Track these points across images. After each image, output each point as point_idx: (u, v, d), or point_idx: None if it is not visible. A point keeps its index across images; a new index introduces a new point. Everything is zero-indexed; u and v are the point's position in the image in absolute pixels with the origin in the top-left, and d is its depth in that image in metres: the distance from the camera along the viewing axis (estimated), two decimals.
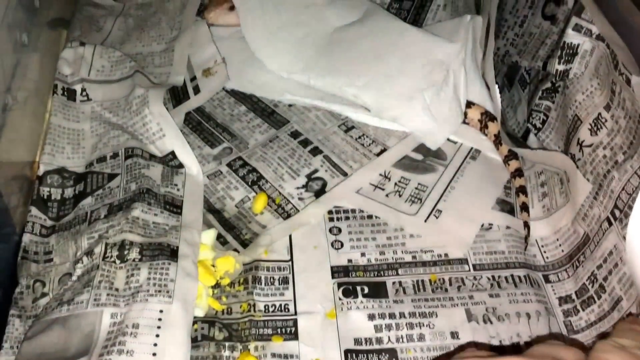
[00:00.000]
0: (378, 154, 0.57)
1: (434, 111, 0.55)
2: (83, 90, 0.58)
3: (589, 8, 0.47)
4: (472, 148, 0.58)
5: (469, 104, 0.58)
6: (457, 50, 0.57)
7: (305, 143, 0.57)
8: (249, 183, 0.54)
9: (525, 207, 0.52)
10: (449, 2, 0.69)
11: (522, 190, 0.53)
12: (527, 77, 0.57)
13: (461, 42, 0.58)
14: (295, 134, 0.58)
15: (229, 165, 0.55)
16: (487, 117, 0.58)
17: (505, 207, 0.53)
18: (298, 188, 0.53)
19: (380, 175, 0.55)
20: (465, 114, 0.57)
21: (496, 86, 0.55)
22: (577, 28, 0.49)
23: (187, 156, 0.53)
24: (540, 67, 0.53)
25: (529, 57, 0.55)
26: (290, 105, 0.61)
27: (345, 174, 0.55)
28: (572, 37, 0.49)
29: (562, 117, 0.51)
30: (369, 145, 0.58)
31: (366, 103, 0.57)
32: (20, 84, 0.52)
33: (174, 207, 0.49)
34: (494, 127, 0.57)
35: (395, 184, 0.55)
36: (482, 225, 0.51)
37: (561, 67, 0.50)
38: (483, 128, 0.58)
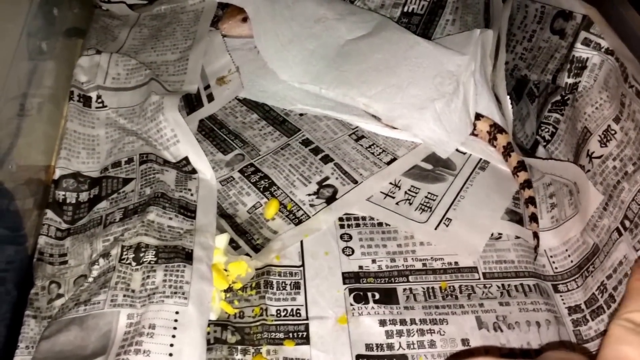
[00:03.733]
0: (388, 163, 0.57)
1: (444, 121, 0.56)
2: (98, 97, 0.58)
3: (597, 22, 0.48)
4: (480, 159, 0.58)
5: (478, 116, 0.58)
6: (467, 62, 0.58)
7: (316, 151, 0.58)
8: (261, 189, 0.54)
9: (534, 218, 0.52)
10: (458, 17, 0.70)
11: (531, 201, 0.53)
12: (536, 90, 0.57)
13: (471, 54, 0.59)
14: (306, 142, 0.59)
15: (241, 171, 0.56)
16: (495, 129, 0.58)
17: (515, 217, 0.53)
18: (309, 195, 0.54)
19: (391, 183, 0.56)
20: (475, 126, 0.58)
21: (507, 98, 0.55)
22: (586, 42, 0.50)
23: (200, 161, 0.53)
24: (550, 80, 0.53)
25: (538, 71, 0.56)
26: (301, 115, 0.62)
27: (355, 182, 0.55)
28: (581, 51, 0.50)
29: (572, 130, 0.51)
30: (379, 154, 0.58)
31: (377, 112, 0.58)
32: (36, 90, 0.53)
33: (188, 211, 0.50)
34: (503, 139, 0.58)
35: (406, 192, 0.55)
36: (492, 235, 0.51)
37: (570, 81, 0.50)
38: (492, 140, 0.59)
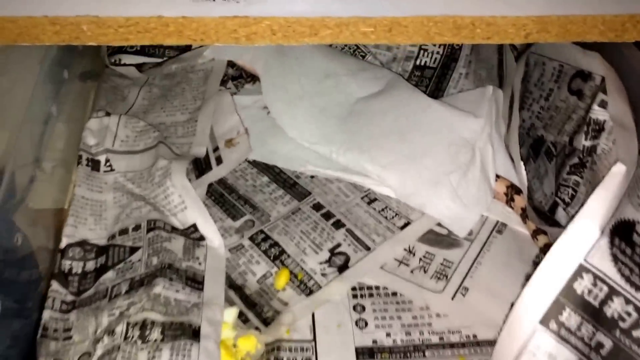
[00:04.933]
0: (402, 228, 0.57)
1: (461, 194, 0.55)
2: (107, 160, 0.58)
3: (608, 84, 0.48)
4: (498, 221, 0.58)
5: (495, 176, 0.57)
6: (482, 126, 0.58)
7: (327, 216, 0.57)
8: (271, 257, 0.53)
9: None
10: (471, 71, 0.70)
11: None
12: (554, 149, 0.56)
13: (485, 116, 0.59)
14: (317, 207, 0.58)
15: (251, 238, 0.55)
16: (513, 190, 0.58)
17: None
18: (321, 263, 0.53)
19: (405, 250, 0.55)
20: None
21: (521, 163, 0.55)
22: (603, 104, 0.49)
23: (209, 229, 0.53)
24: (567, 142, 0.52)
25: (554, 132, 0.55)
26: (312, 177, 0.61)
27: (368, 249, 0.54)
28: (597, 113, 0.49)
29: (591, 193, 0.50)
30: (392, 218, 0.57)
31: (390, 186, 0.57)
32: (48, 154, 0.53)
33: (196, 282, 0.49)
34: (520, 201, 0.57)
35: (420, 259, 0.54)
36: (512, 305, 0.50)
37: (588, 143, 0.50)
38: (509, 201, 0.58)
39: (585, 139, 0.49)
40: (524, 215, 0.56)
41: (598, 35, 0.39)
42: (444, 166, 0.56)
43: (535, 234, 0.55)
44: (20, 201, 0.48)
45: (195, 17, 0.36)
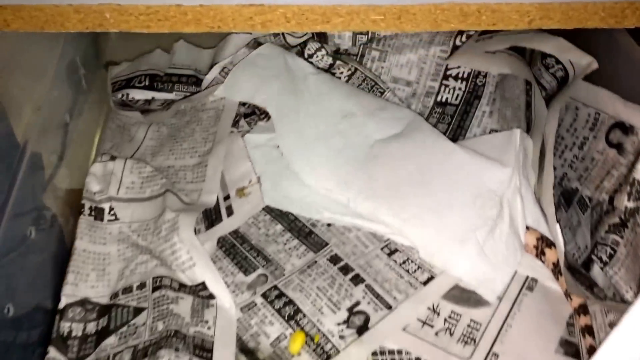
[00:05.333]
0: (425, 283, 0.53)
1: (489, 253, 0.51)
2: (111, 209, 0.55)
3: None
4: (527, 276, 0.54)
5: None
6: (509, 176, 0.54)
7: (345, 270, 0.54)
8: (286, 317, 0.50)
9: (593, 352, 0.47)
10: (496, 110, 0.67)
11: (588, 330, 0.49)
12: (588, 201, 0.53)
13: (513, 165, 0.55)
14: (334, 259, 0.55)
15: (264, 295, 0.52)
16: (544, 242, 0.54)
17: (570, 349, 0.48)
18: (339, 324, 0.50)
19: (429, 309, 0.51)
20: None
21: (557, 226, 0.51)
22: None
23: (218, 288, 0.50)
24: (606, 200, 0.49)
25: (591, 186, 0.51)
26: (329, 225, 0.58)
27: (389, 307, 0.51)
28: None
29: (634, 256, 0.47)
30: (415, 271, 0.54)
31: (412, 242, 0.54)
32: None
33: (204, 350, 0.46)
34: (552, 254, 0.53)
35: (445, 319, 0.50)
36: None
37: (631, 205, 0.46)
38: (540, 254, 0.54)
39: (628, 200, 0.46)
40: (556, 271, 0.53)
41: (599, 22, 0.41)
42: (469, 221, 0.53)
43: (568, 292, 0.52)
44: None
45: (213, 5, 0.38)
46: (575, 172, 0.54)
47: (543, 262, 0.54)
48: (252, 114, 0.67)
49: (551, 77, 0.59)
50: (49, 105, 0.52)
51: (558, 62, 0.58)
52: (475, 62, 0.64)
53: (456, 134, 0.67)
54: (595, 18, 0.40)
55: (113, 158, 0.58)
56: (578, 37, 0.54)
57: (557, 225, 0.51)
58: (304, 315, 0.50)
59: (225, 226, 0.57)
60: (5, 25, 0.39)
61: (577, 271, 0.53)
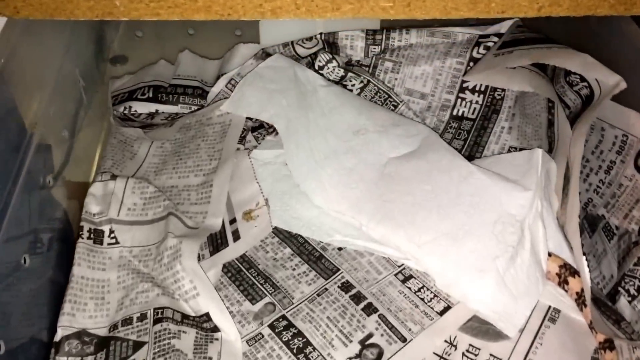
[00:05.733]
0: (441, 313, 0.50)
1: (509, 283, 0.49)
2: (111, 232, 0.53)
3: None
4: (549, 307, 0.51)
5: None
6: (531, 200, 0.51)
7: (357, 298, 0.51)
8: (294, 351, 0.48)
9: None
10: (515, 126, 0.64)
11: None
12: (615, 229, 0.50)
13: (534, 187, 0.52)
14: (346, 287, 0.52)
15: (272, 326, 0.49)
16: (567, 270, 0.51)
17: None
18: (350, 358, 0.47)
19: (446, 342, 0.49)
20: None
21: (584, 259, 0.48)
22: None
23: (223, 320, 0.48)
24: (636, 231, 0.46)
25: (619, 215, 0.49)
26: (340, 249, 0.55)
27: (404, 340, 0.48)
28: None
29: None
30: (430, 300, 0.51)
31: (429, 271, 0.51)
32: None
33: None
34: (575, 284, 0.51)
35: (464, 354, 0.48)
36: None
37: None
38: (562, 283, 0.52)
39: None
40: (579, 302, 0.50)
41: (608, 9, 0.40)
42: (488, 249, 0.50)
43: (593, 324, 0.49)
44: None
45: None
46: (602, 198, 0.51)
47: (566, 291, 0.52)
48: (260, 127, 0.65)
49: (575, 95, 0.56)
50: (46, 120, 0.49)
51: (583, 79, 0.55)
52: (494, 79, 0.62)
53: (473, 151, 0.65)
54: (604, 5, 0.40)
55: (114, 177, 0.56)
56: (603, 52, 0.52)
57: (584, 258, 0.48)
58: (314, 349, 0.48)
59: (231, 251, 0.54)
60: (15, 12, 0.39)
61: (603, 303, 0.50)
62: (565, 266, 0.52)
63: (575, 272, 0.51)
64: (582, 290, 0.50)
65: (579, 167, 0.50)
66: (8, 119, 0.44)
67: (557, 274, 0.52)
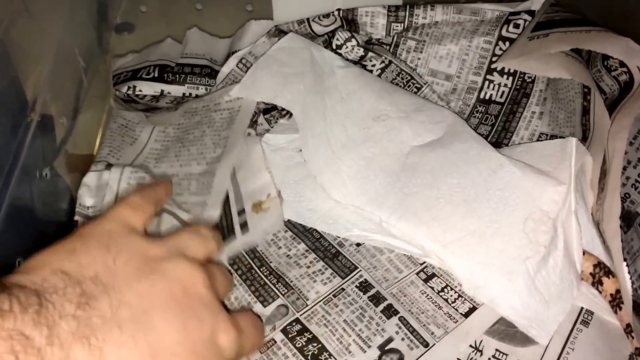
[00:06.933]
0: (466, 315, 0.49)
1: (540, 287, 0.47)
2: None
3: None
4: (582, 308, 0.49)
5: None
6: (565, 195, 0.49)
7: (376, 299, 0.49)
8: (309, 357, 0.46)
9: None
10: (547, 111, 0.62)
11: None
12: None
13: (567, 181, 0.50)
14: (364, 287, 0.50)
15: (284, 331, 0.48)
16: (601, 270, 0.49)
17: None
18: None
19: (471, 347, 0.47)
20: None
21: (624, 264, 0.46)
22: None
23: None
24: None
25: None
26: (358, 245, 0.53)
27: (426, 345, 0.47)
28: None
29: None
30: (454, 301, 0.50)
31: (454, 273, 0.50)
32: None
33: None
34: (610, 285, 0.49)
35: None
36: None
37: None
38: (596, 283, 0.50)
39: None
40: (614, 304, 0.48)
41: None
42: (519, 249, 0.48)
43: (629, 329, 0.47)
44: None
45: None
46: None
47: (600, 292, 0.50)
48: (273, 109, 0.63)
49: (613, 80, 0.54)
50: (43, 105, 0.48)
51: (622, 64, 0.52)
52: (529, 65, 0.59)
53: (500, 137, 0.62)
54: None
55: (109, 166, 0.54)
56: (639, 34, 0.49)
57: (624, 264, 0.46)
58: (330, 355, 0.46)
59: (239, 244, 0.52)
60: None
61: (636, 304, 0.48)
62: (599, 265, 0.50)
63: (610, 272, 0.49)
64: (617, 291, 0.48)
65: (621, 164, 0.48)
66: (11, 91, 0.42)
67: (591, 273, 0.50)
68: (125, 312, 0.31)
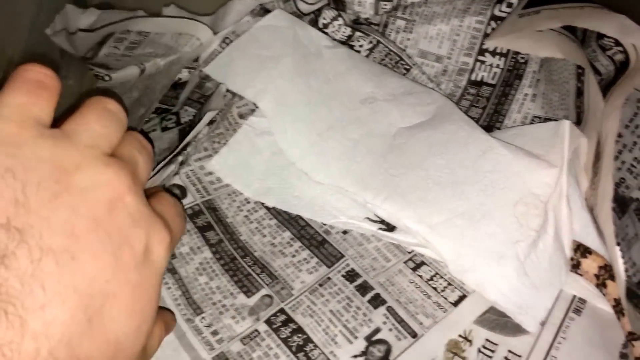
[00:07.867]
0: (455, 303, 0.48)
1: (530, 271, 0.46)
2: None
3: None
4: (574, 296, 0.49)
5: (585, 252, 0.49)
6: (556, 178, 0.49)
7: (363, 289, 0.49)
8: (294, 349, 0.46)
9: None
10: (540, 93, 0.61)
11: None
12: None
13: (560, 164, 0.50)
14: (351, 276, 0.50)
15: (268, 322, 0.47)
16: (607, 272, 0.48)
17: None
18: (355, 356, 0.45)
19: (460, 336, 0.47)
20: (579, 264, 0.48)
21: (617, 249, 0.46)
22: None
23: None
24: None
25: None
26: (344, 232, 0.53)
27: (414, 335, 0.46)
28: None
29: None
30: (444, 290, 0.49)
31: (441, 254, 0.49)
32: None
33: None
34: (614, 289, 0.48)
35: (479, 350, 0.46)
36: None
37: None
38: (600, 286, 0.49)
39: None
40: (618, 309, 0.48)
41: None
42: (508, 232, 0.48)
43: (631, 336, 0.47)
44: None
45: None
46: (637, 179, 0.48)
47: (603, 294, 0.49)
48: None
49: (608, 60, 0.53)
50: None
51: (618, 43, 0.51)
52: (519, 44, 0.58)
53: (492, 120, 0.62)
54: None
55: None
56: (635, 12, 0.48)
57: (617, 248, 0.46)
58: (315, 346, 0.46)
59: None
60: None
61: (635, 295, 0.48)
62: (605, 267, 0.49)
63: (614, 276, 0.49)
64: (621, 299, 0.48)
65: (613, 146, 0.47)
66: None
67: (595, 274, 0.49)
68: (49, 264, 0.25)
